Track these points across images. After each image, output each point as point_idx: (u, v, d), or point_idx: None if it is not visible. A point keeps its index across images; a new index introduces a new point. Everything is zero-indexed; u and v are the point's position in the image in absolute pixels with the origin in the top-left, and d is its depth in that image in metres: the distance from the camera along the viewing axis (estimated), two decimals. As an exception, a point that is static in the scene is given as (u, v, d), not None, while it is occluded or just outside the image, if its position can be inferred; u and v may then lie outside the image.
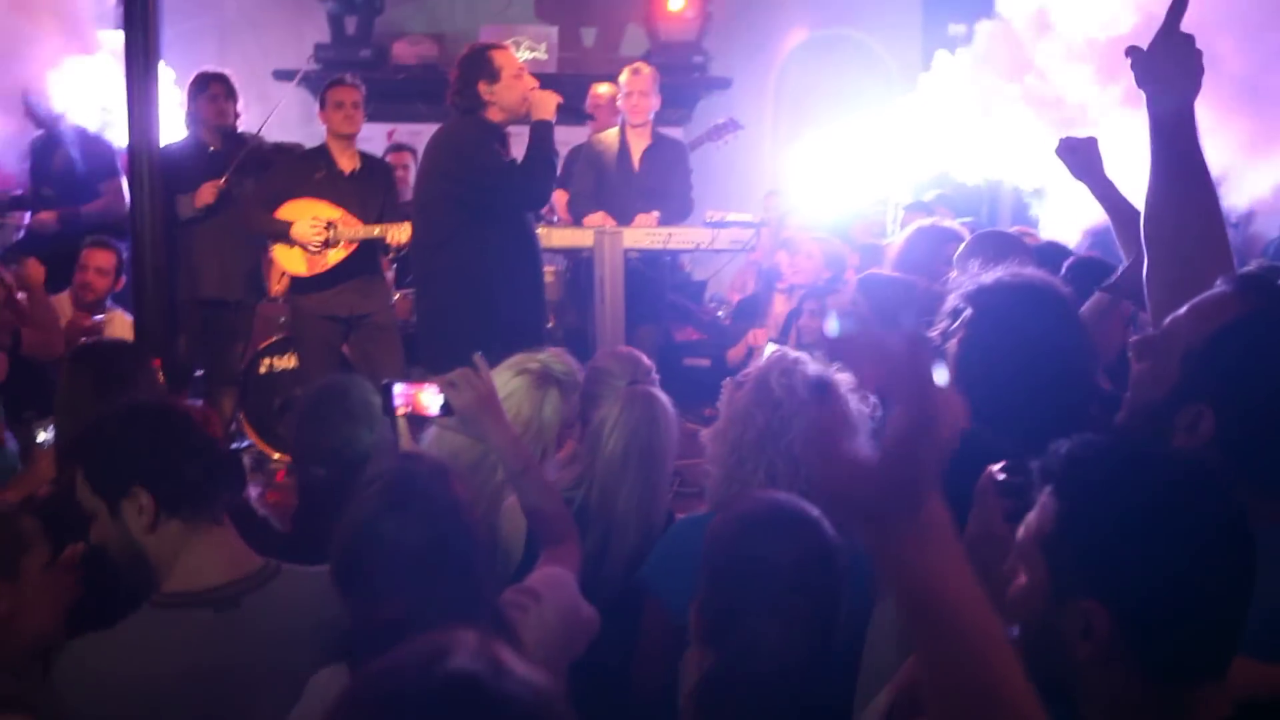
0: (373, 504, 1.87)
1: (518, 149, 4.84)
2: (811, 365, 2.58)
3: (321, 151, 5.81)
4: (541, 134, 4.65)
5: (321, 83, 9.47)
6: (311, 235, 5.53)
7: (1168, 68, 1.98)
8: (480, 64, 4.65)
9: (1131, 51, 2.03)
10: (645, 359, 3.09)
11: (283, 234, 5.57)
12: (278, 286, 6.62)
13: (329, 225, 5.57)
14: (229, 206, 5.86)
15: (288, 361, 6.33)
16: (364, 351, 5.70)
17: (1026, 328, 2.25)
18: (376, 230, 5.60)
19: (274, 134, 9.83)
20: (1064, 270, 3.48)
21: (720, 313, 7.92)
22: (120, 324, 5.81)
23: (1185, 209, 1.96)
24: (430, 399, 2.36)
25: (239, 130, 6.22)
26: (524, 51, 9.18)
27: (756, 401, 2.54)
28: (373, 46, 9.19)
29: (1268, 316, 1.58)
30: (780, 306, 6.55)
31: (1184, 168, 1.97)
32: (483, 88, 4.63)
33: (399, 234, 5.47)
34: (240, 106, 6.22)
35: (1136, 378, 1.69)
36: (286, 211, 5.60)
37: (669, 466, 2.80)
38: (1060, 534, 1.29)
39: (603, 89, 6.97)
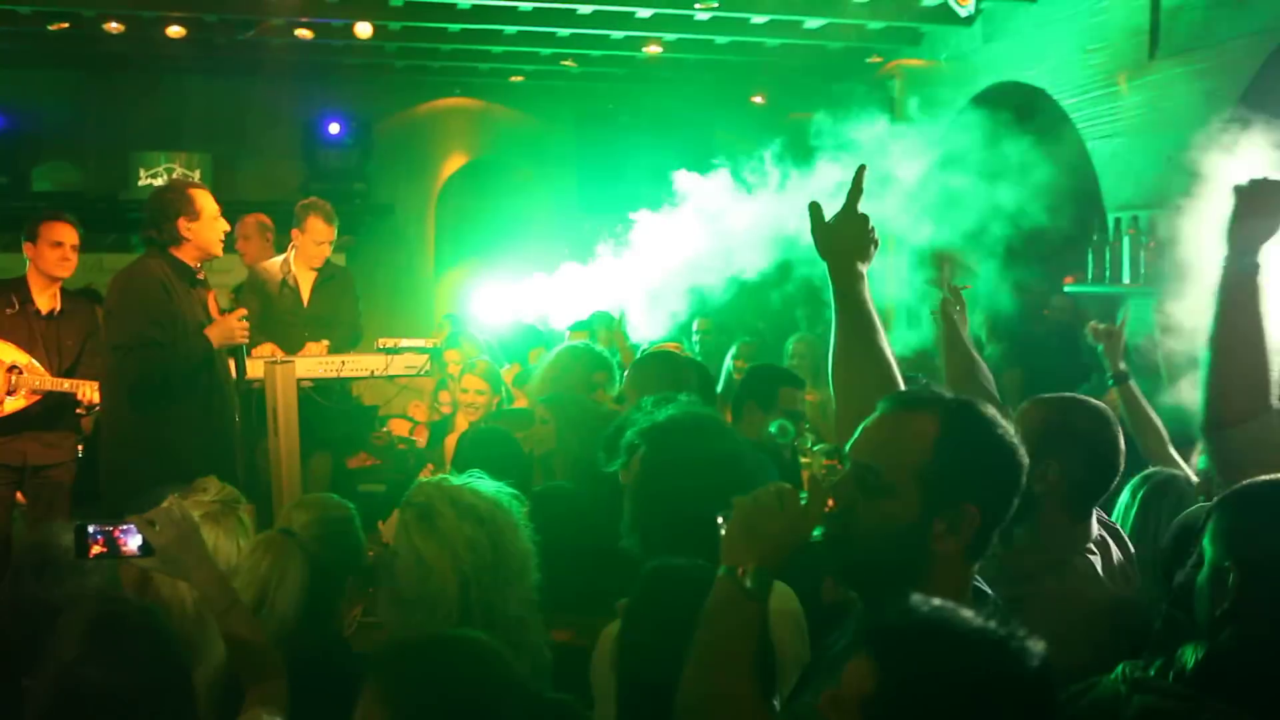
0: (76, 648, 1.83)
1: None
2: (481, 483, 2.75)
3: (18, 286, 5.34)
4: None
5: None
6: None
7: (845, 242, 2.30)
8: (182, 200, 4.74)
9: (814, 213, 2.33)
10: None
11: None
12: None
13: (11, 369, 5.14)
14: None
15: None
16: (35, 503, 5.30)
17: (696, 456, 2.61)
18: (66, 385, 5.24)
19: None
20: None
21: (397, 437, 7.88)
22: None
23: (865, 357, 2.26)
24: (128, 538, 2.31)
25: None
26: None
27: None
28: (10, 173, 8.68)
29: (962, 417, 1.83)
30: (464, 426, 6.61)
31: (861, 322, 2.28)
32: (183, 224, 4.70)
33: (91, 392, 5.14)
34: None
35: (880, 514, 1.78)
36: None
37: None
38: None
39: (250, 219, 6.95)
